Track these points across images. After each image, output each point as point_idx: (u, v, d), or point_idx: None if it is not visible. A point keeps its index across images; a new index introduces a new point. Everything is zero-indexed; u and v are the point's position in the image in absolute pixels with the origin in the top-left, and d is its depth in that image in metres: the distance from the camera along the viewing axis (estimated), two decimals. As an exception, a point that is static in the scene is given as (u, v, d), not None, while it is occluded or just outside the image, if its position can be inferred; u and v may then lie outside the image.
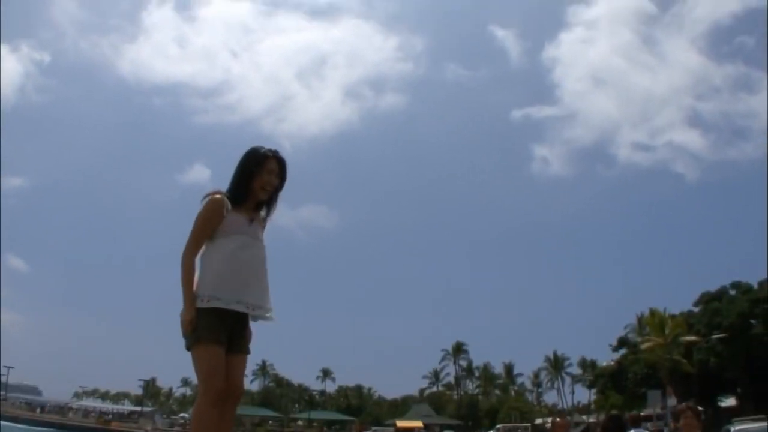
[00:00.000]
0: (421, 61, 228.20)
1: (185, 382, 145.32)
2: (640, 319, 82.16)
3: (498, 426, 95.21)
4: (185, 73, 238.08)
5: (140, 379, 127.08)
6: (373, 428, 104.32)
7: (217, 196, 4.62)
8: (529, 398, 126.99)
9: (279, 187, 4.86)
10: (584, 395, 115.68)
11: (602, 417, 73.60)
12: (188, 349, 4.48)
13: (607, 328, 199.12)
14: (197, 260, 4.60)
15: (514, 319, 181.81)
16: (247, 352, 4.76)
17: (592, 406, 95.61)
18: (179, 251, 4.58)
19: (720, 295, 72.60)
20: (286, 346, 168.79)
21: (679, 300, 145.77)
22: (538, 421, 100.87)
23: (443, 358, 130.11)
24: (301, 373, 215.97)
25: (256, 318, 4.73)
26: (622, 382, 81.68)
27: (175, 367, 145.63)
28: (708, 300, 73.50)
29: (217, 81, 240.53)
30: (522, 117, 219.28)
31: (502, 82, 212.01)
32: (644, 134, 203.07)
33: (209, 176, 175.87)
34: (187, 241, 4.58)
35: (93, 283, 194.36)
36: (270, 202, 4.91)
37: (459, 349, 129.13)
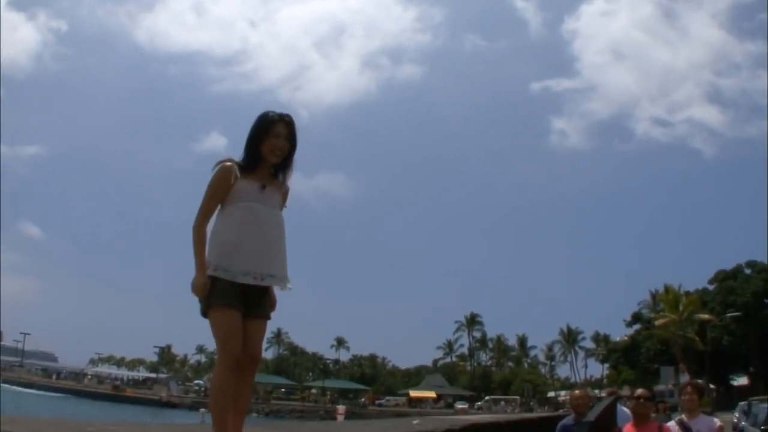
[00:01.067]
0: (440, 32, 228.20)
1: (200, 350, 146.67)
2: (654, 296, 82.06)
3: (486, 397, 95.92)
4: (202, 42, 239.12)
5: (155, 346, 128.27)
6: (387, 398, 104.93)
7: (227, 163, 4.57)
8: (542, 371, 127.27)
9: (291, 150, 4.75)
10: (597, 369, 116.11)
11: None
12: (204, 314, 4.46)
13: (621, 303, 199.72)
14: (209, 228, 4.56)
15: (528, 292, 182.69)
16: (265, 317, 4.69)
17: (605, 381, 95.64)
18: (193, 220, 4.59)
19: (735, 273, 72.52)
20: (300, 315, 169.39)
21: (694, 277, 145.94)
22: (551, 394, 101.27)
23: (457, 329, 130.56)
24: (316, 341, 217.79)
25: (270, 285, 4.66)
26: (635, 358, 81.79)
27: (190, 334, 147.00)
28: (723, 278, 73.49)
29: (234, 50, 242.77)
30: (541, 89, 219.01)
31: (521, 54, 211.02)
32: (663, 109, 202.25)
33: (225, 144, 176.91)
34: (199, 209, 4.55)
35: (109, 250, 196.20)
36: (285, 167, 4.80)
37: (473, 321, 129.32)
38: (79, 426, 5.35)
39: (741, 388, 67.49)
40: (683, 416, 7.66)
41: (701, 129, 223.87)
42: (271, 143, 4.61)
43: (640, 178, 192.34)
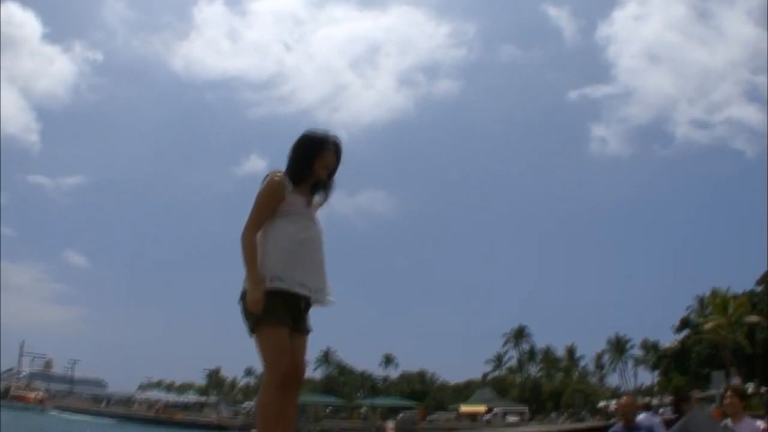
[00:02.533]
0: (474, 45, 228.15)
1: (249, 372, 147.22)
2: (701, 300, 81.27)
3: (494, 410, 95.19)
4: (238, 68, 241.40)
5: (204, 369, 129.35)
6: (437, 413, 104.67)
7: (279, 176, 4.61)
8: (592, 381, 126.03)
9: (335, 168, 4.85)
10: (647, 377, 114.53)
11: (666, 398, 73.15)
12: (252, 331, 4.45)
13: (669, 309, 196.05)
14: (258, 239, 4.54)
15: (575, 302, 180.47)
16: (308, 331, 4.72)
17: (656, 388, 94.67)
18: (238, 242, 4.57)
19: (782, 272, 71.25)
20: (348, 334, 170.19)
21: (742, 280, 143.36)
22: (602, 403, 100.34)
23: (505, 342, 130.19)
24: (364, 359, 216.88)
25: (315, 302, 4.70)
26: (685, 363, 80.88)
27: (239, 356, 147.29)
28: (770, 278, 72.25)
29: (270, 73, 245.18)
30: (578, 97, 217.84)
31: (557, 63, 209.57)
32: (702, 110, 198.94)
33: (265, 166, 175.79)
34: (248, 220, 4.52)
35: (154, 275, 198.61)
36: (328, 185, 4.86)
37: (521, 333, 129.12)
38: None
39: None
40: (727, 421, 7.71)
41: (741, 129, 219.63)
42: (324, 160, 4.73)
43: (682, 181, 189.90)
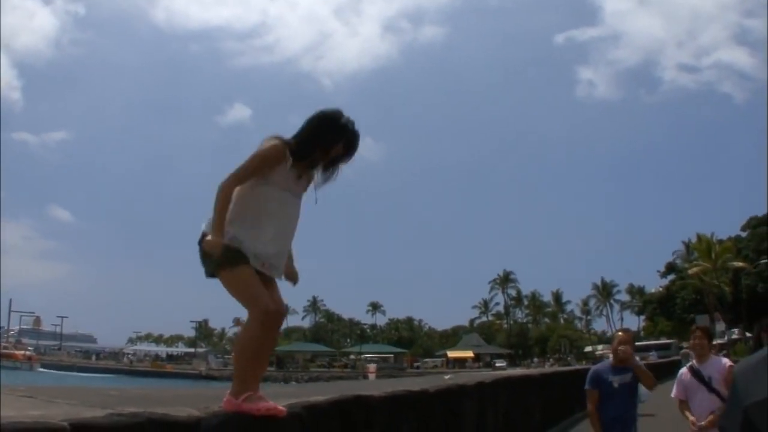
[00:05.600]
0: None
1: (237, 322, 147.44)
2: (687, 245, 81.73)
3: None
4: (221, 18, 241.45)
5: (192, 321, 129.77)
6: (425, 359, 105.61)
7: (282, 142, 4.39)
8: (578, 326, 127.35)
9: (343, 157, 4.66)
10: (633, 322, 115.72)
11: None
12: (212, 273, 4.35)
13: (656, 254, 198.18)
14: (234, 193, 4.35)
15: (561, 247, 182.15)
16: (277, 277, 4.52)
17: (642, 333, 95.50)
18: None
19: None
20: (335, 282, 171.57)
21: (728, 225, 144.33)
22: (588, 348, 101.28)
23: (492, 288, 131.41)
24: (352, 307, 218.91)
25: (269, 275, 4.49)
26: (671, 309, 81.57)
27: (227, 307, 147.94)
28: (756, 225, 72.33)
29: (253, 23, 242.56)
30: (565, 40, 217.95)
31: (543, 5, 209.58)
32: (690, 54, 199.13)
33: (250, 115, 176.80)
34: (234, 171, 4.32)
35: (140, 230, 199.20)
36: (329, 171, 4.70)
37: (507, 279, 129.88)
38: (101, 390, 5.43)
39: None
40: (693, 362, 7.75)
41: (730, 72, 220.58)
42: (338, 149, 4.55)
43: (670, 126, 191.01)
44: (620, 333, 8.12)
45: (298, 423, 4.45)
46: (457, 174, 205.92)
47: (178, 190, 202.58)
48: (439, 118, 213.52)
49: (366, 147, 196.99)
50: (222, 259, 4.21)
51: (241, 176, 4.33)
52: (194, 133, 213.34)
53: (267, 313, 4.20)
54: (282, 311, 4.44)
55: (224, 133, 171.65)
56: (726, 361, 7.59)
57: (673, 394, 7.87)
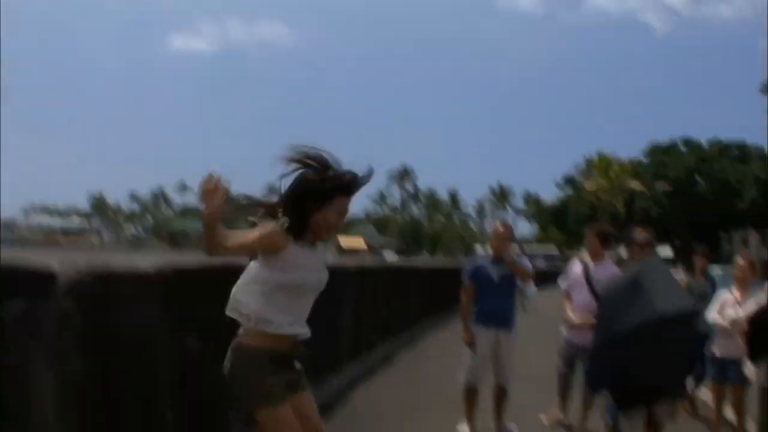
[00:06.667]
0: None
1: (134, 198, 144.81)
2: (588, 161, 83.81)
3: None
4: None
5: (88, 191, 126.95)
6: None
7: (278, 228, 3.58)
8: (472, 227, 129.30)
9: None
10: (527, 230, 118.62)
11: (543, 250, 76.16)
12: (246, 416, 3.90)
13: (555, 166, 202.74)
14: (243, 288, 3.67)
15: (462, 148, 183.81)
16: (306, 386, 3.86)
17: (535, 242, 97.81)
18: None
19: (669, 148, 73.95)
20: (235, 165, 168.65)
21: (631, 149, 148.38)
22: (478, 248, 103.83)
23: (389, 181, 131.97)
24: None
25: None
26: (564, 220, 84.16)
27: (122, 180, 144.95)
28: (657, 151, 75.05)
29: None
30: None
31: None
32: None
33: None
34: (229, 238, 3.33)
35: (36, 99, 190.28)
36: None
37: (405, 173, 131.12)
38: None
39: (665, 260, 70.09)
40: (587, 260, 7.73)
41: (656, 3, 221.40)
42: (331, 217, 3.70)
43: (589, 45, 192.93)
44: (499, 226, 7.62)
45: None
46: (369, 65, 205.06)
47: (82, 57, 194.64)
48: (354, 6, 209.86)
49: (277, 32, 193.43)
50: (255, 401, 3.61)
51: (237, 245, 3.44)
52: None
53: None
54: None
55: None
56: (616, 270, 7.39)
57: (560, 284, 8.03)
